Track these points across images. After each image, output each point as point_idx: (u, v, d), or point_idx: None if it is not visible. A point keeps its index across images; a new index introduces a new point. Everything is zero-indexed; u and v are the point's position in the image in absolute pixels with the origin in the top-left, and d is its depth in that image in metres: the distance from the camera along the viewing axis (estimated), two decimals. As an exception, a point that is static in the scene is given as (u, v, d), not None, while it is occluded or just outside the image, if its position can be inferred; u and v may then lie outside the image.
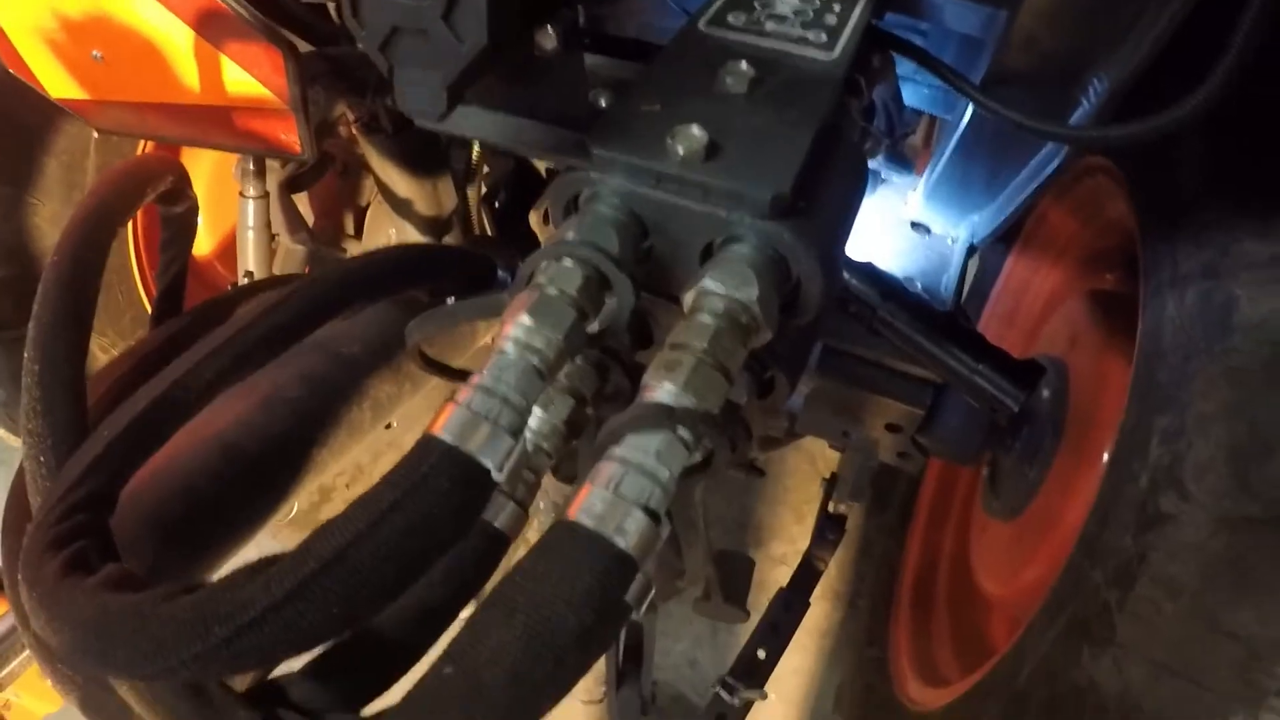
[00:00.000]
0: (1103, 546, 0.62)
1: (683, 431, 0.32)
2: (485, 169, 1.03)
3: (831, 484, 1.21)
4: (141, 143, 1.16)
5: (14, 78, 0.96)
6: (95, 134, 1.10)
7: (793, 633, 1.03)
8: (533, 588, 0.28)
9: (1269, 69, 0.58)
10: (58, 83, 0.84)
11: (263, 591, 0.30)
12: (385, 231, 1.13)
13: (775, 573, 1.42)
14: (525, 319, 0.36)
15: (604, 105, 0.42)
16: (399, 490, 0.31)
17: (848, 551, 1.48)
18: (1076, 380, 0.98)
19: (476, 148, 1.03)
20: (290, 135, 0.71)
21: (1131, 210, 0.74)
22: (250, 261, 1.00)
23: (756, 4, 0.49)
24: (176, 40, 0.70)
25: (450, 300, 0.58)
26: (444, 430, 0.33)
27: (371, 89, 0.88)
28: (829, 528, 1.17)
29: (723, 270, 0.37)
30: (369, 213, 1.21)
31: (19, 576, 0.38)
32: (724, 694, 1.00)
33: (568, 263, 0.38)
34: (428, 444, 0.32)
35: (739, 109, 0.41)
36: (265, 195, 0.98)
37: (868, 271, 0.79)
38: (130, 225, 1.22)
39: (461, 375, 0.76)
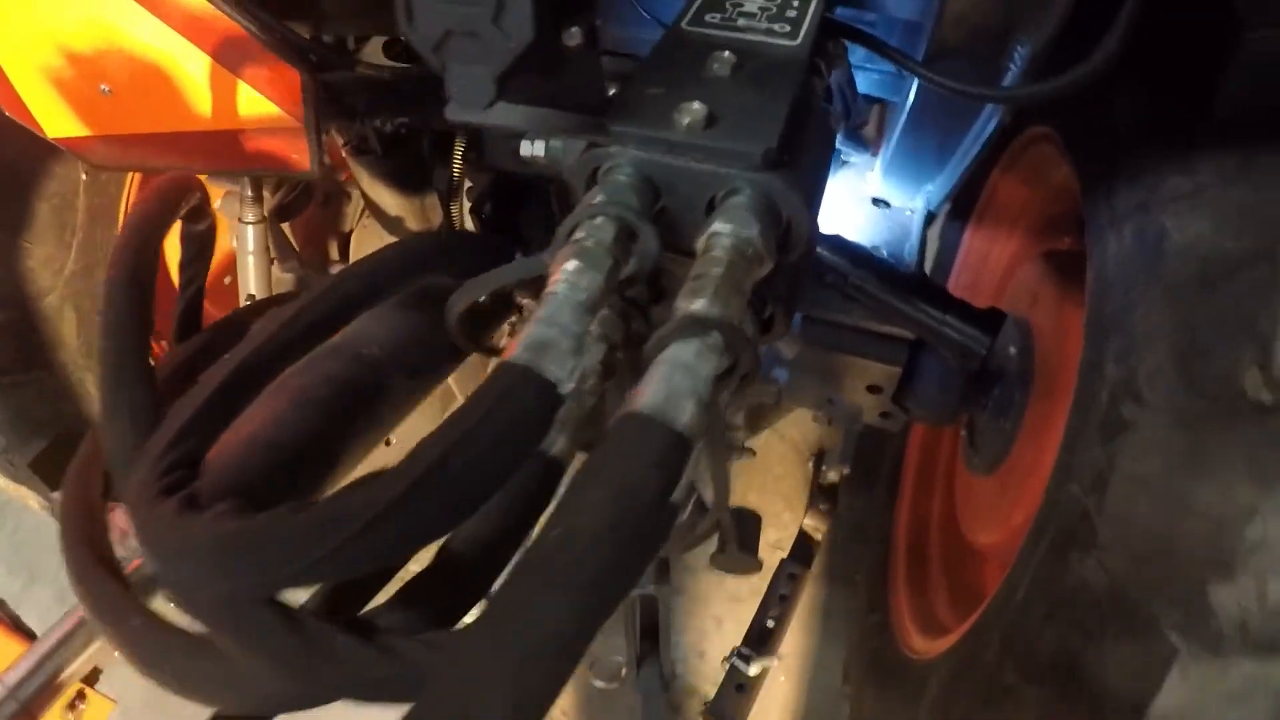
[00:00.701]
0: (1076, 462, 0.72)
1: (713, 337, 0.41)
2: (467, 185, 1.12)
3: (819, 459, 1.31)
4: (128, 179, 1.23)
5: (3, 124, 1.02)
6: (84, 175, 1.16)
7: (798, 600, 1.11)
8: (613, 461, 0.36)
9: (1171, 25, 0.68)
10: (57, 121, 0.89)
11: (382, 492, 0.38)
12: (374, 252, 1.20)
13: (772, 558, 1.50)
14: (571, 265, 0.44)
15: (613, 93, 0.51)
16: (487, 403, 0.39)
17: (842, 533, 1.57)
18: (1040, 334, 1.09)
19: (457, 165, 1.11)
20: (301, 155, 0.78)
21: (1071, 167, 0.85)
22: (252, 285, 1.07)
23: (728, 4, 0.59)
24: (189, 67, 0.75)
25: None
26: (517, 355, 0.41)
27: (361, 113, 0.97)
28: (821, 498, 1.26)
29: (728, 216, 0.46)
30: (354, 237, 1.29)
31: (138, 520, 0.44)
32: (739, 664, 1.07)
33: (600, 220, 0.46)
34: (506, 367, 0.40)
35: (726, 88, 0.50)
36: (264, 220, 1.05)
37: (838, 243, 0.89)
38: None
39: (497, 352, 0.84)
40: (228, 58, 0.74)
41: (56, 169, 1.14)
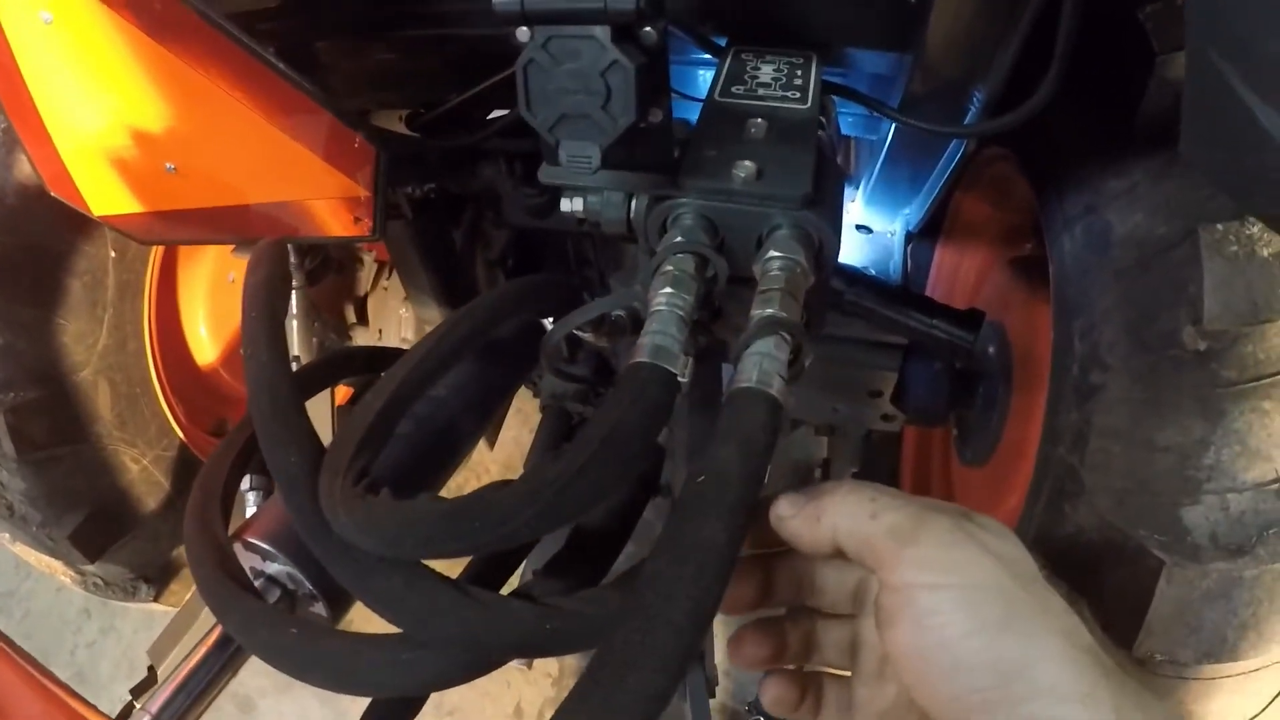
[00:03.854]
0: (1058, 428, 0.91)
1: (783, 333, 0.59)
2: (485, 244, 1.29)
3: (825, 467, 1.49)
4: (153, 255, 1.37)
5: (37, 206, 1.15)
6: (112, 252, 1.30)
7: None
8: (734, 424, 0.53)
9: (1098, 55, 0.89)
10: (106, 199, 1.00)
11: (566, 466, 0.53)
12: (395, 312, 1.37)
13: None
14: (667, 289, 0.62)
15: (677, 153, 0.69)
16: (633, 392, 0.56)
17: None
18: (1014, 333, 1.30)
19: (471, 225, 1.29)
20: (364, 220, 0.94)
21: (1026, 181, 1.06)
22: (295, 347, 1.22)
23: (746, 76, 0.79)
24: (262, 143, 0.88)
25: (548, 321, 0.84)
26: (643, 356, 0.58)
27: (395, 180, 1.14)
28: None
29: (778, 245, 0.65)
30: (370, 299, 1.45)
31: (353, 512, 0.58)
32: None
33: (680, 255, 0.64)
34: (638, 366, 0.57)
35: (764, 146, 0.69)
36: (305, 285, 1.20)
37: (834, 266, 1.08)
38: (150, 348, 1.41)
39: (576, 378, 1.01)
40: (302, 133, 0.89)
41: (85, 247, 1.28)
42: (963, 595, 0.42)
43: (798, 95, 0.76)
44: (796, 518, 0.54)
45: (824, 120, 0.80)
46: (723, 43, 0.87)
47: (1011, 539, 0.47)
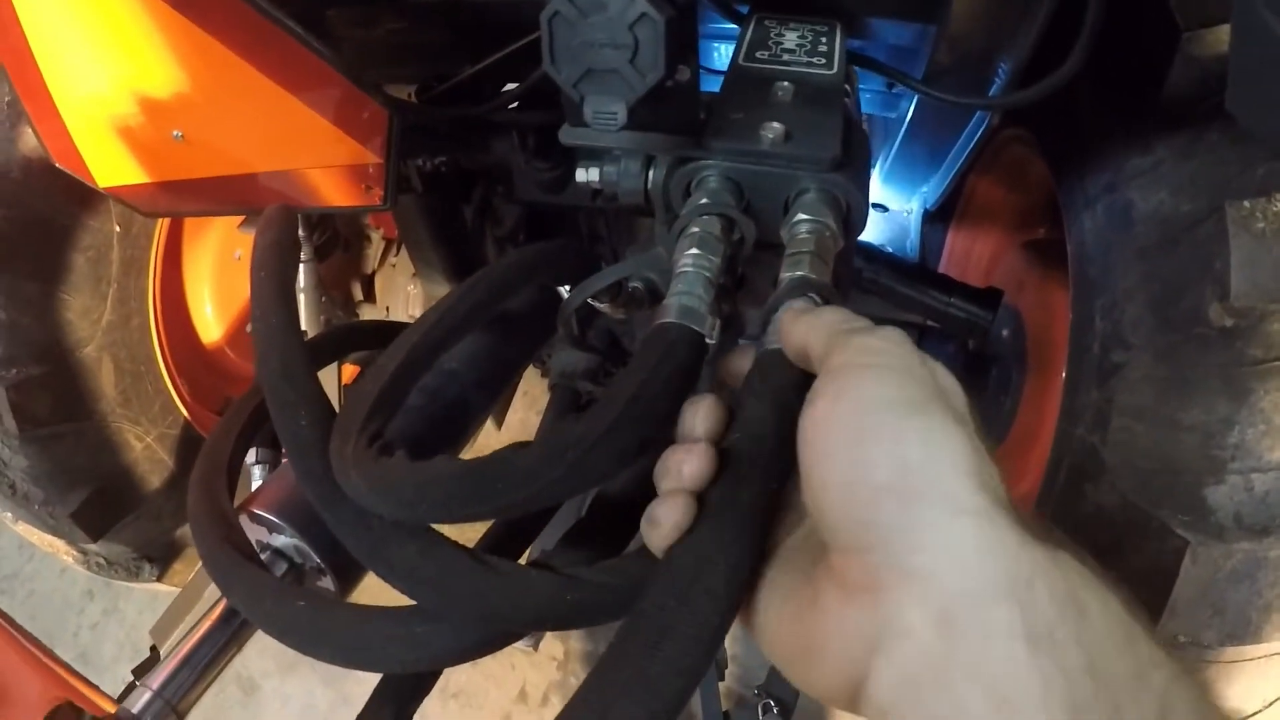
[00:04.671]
0: (1078, 407, 0.89)
1: (812, 293, 0.56)
2: (495, 221, 1.27)
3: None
4: (158, 232, 1.34)
5: (40, 180, 1.12)
6: (117, 228, 1.28)
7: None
8: (766, 383, 0.51)
9: (1122, 31, 0.87)
10: (112, 170, 0.97)
11: (591, 426, 0.51)
12: (403, 289, 1.35)
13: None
14: (695, 250, 0.60)
15: (702, 116, 0.67)
16: (658, 354, 0.54)
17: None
18: (1028, 316, 1.28)
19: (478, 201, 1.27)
20: (375, 189, 0.92)
21: (1045, 163, 1.04)
22: (304, 322, 1.19)
23: (770, 42, 0.77)
24: (273, 109, 0.85)
25: (564, 290, 0.82)
26: (670, 317, 0.56)
27: (405, 152, 1.11)
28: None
29: (807, 208, 0.63)
30: (378, 276, 1.43)
31: (367, 474, 0.55)
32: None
33: (706, 217, 0.62)
34: (664, 327, 0.55)
35: (792, 109, 0.67)
36: (314, 258, 1.18)
37: (852, 243, 1.06)
38: (154, 325, 1.39)
39: (593, 348, 0.99)
40: (313, 97, 0.86)
41: (90, 222, 1.25)
42: (887, 373, 0.41)
43: (823, 61, 0.73)
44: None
45: (849, 89, 0.78)
46: (744, 11, 0.85)
47: (955, 382, 0.45)
